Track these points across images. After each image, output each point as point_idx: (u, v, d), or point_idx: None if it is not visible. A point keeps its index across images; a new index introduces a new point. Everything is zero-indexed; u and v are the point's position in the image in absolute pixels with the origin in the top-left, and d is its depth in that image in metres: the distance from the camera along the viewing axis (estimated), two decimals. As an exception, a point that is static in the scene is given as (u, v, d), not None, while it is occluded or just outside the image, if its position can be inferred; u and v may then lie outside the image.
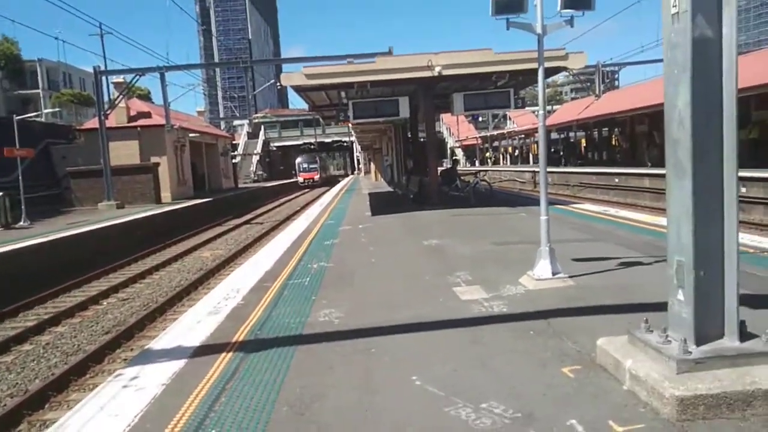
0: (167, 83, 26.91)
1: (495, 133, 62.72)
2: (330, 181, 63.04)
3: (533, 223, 7.07)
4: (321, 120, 46.20)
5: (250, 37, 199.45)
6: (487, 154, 64.44)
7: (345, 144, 71.49)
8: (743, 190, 18.63)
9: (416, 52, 15.77)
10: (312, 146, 72.24)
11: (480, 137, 66.98)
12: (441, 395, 3.84)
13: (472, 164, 68.54)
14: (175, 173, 32.78)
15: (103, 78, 27.77)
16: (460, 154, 75.18)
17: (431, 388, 3.98)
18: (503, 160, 61.56)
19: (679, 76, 3.58)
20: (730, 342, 3.59)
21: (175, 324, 6.37)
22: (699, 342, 3.57)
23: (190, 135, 35.37)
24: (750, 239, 8.99)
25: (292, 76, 14.88)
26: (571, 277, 6.78)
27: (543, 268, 6.81)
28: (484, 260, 8.42)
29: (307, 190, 53.64)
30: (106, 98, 28.46)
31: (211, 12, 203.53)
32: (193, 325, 6.09)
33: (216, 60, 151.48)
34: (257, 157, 66.10)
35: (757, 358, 3.46)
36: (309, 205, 29.30)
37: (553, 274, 6.77)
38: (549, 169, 30.54)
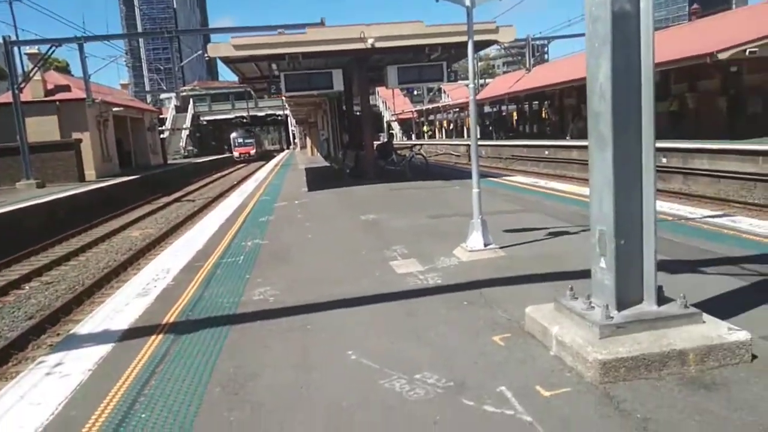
0: (86, 55, 25.40)
1: (430, 106, 63.14)
2: (265, 156, 61.86)
3: (467, 195, 7.18)
4: (253, 93, 44.92)
5: (175, 6, 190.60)
6: (425, 128, 64.88)
7: (279, 118, 70.00)
8: (663, 160, 19.63)
9: (349, 23, 15.54)
10: (245, 120, 70.31)
11: (416, 111, 67.30)
12: (376, 368, 3.88)
13: (409, 138, 68.89)
14: (99, 149, 31.21)
15: (15, 49, 25.88)
16: (396, 127, 75.33)
17: (367, 361, 4.01)
18: (439, 133, 62.18)
19: (600, 49, 3.67)
20: (648, 306, 3.78)
21: (102, 307, 6.12)
22: (620, 307, 3.74)
23: (114, 109, 33.66)
24: (669, 207, 9.50)
25: (220, 47, 14.35)
26: (502, 247, 6.96)
27: (475, 239, 6.95)
28: (419, 233, 8.51)
29: (241, 166, 52.40)
30: (19, 71, 26.56)
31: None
32: (122, 307, 5.87)
33: (139, 30, 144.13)
34: (186, 132, 63.79)
35: (672, 321, 3.67)
36: (243, 181, 28.63)
37: (485, 245, 6.92)
38: (482, 143, 30.97)
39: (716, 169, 17.66)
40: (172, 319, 5.30)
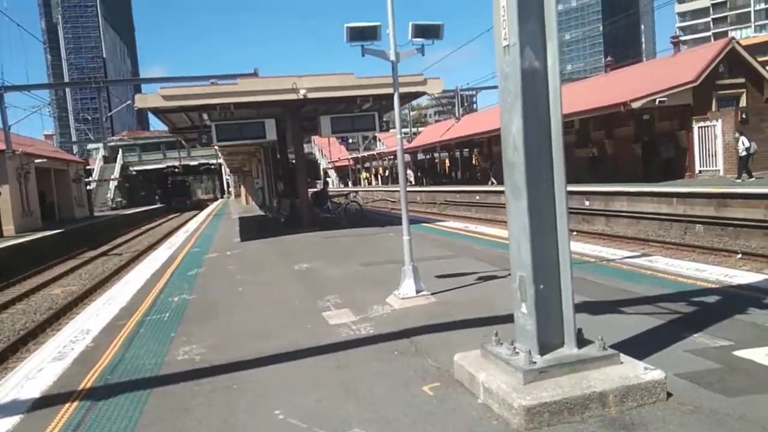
0: (6, 105, 24.41)
1: (366, 154, 64.10)
2: (198, 206, 60.57)
3: (400, 242, 7.26)
4: (184, 143, 44.24)
5: (105, 55, 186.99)
6: (364, 175, 65.51)
7: (213, 167, 68.89)
8: (587, 203, 20.59)
9: (282, 75, 15.69)
10: (176, 169, 68.80)
11: (352, 158, 68.07)
12: (304, 427, 3.77)
13: (345, 185, 69.36)
14: (19, 203, 29.53)
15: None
16: (333, 175, 75.74)
17: (294, 421, 3.89)
18: (375, 180, 62.97)
19: (512, 104, 3.87)
20: (569, 350, 3.89)
21: (13, 374, 5.67)
22: (543, 351, 3.83)
23: (36, 161, 32.17)
24: (591, 249, 9.92)
25: (148, 98, 14.14)
26: (433, 294, 7.03)
27: (407, 287, 7.00)
28: (353, 282, 8.48)
29: (172, 216, 50.95)
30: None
31: (59, 29, 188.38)
32: (35, 373, 5.47)
33: (66, 80, 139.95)
34: (115, 183, 61.68)
35: (592, 363, 3.78)
36: (173, 232, 27.78)
37: (417, 292, 6.97)
38: (417, 189, 31.69)
39: (635, 211, 18.67)
40: (89, 385, 4.99)
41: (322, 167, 76.34)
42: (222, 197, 69.75)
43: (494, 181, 33.37)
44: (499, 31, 3.99)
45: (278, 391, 4.43)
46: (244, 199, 45.91)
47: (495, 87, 45.64)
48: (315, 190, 24.63)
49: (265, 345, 5.64)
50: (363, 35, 7.05)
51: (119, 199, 60.59)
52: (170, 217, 50.72)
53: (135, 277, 11.03)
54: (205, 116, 16.60)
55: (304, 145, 21.34)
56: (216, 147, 31.88)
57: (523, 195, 3.82)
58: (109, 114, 67.49)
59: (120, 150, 65.55)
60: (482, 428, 3.50)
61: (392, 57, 7.26)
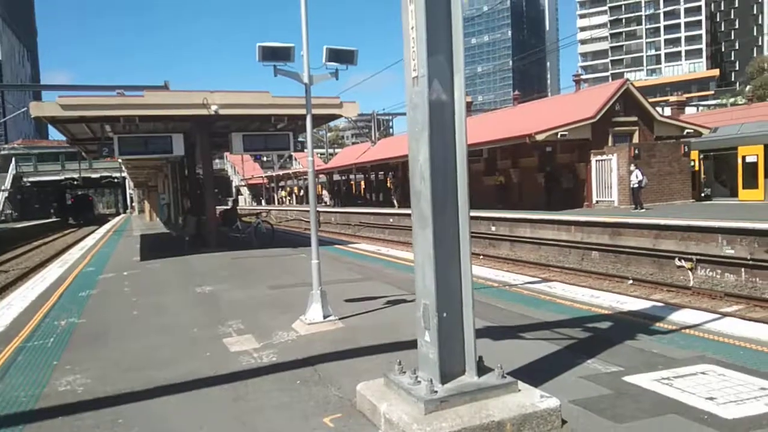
0: None
1: (281, 172, 63.26)
2: (98, 221, 57.11)
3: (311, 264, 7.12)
4: (84, 154, 41.77)
5: (1, 58, 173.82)
6: (283, 193, 64.39)
7: (116, 180, 65.30)
8: (492, 228, 21.33)
9: (194, 89, 15.19)
10: (76, 182, 64.71)
11: (266, 176, 66.93)
12: (194, 465, 3.53)
13: (259, 203, 68.00)
14: None
15: None
16: (246, 192, 74.10)
17: (185, 458, 3.63)
18: (289, 199, 62.20)
19: (419, 133, 3.90)
20: (470, 378, 3.92)
21: None
22: (444, 380, 3.83)
23: None
24: (495, 274, 10.21)
25: (44, 106, 13.20)
26: (341, 319, 6.92)
27: (315, 311, 6.85)
28: (259, 306, 8.21)
29: (68, 231, 47.63)
30: None
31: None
32: None
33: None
34: (5, 194, 57.02)
35: (491, 392, 3.81)
36: (67, 249, 25.91)
37: (325, 317, 6.84)
38: (333, 210, 31.55)
39: (537, 237, 19.56)
40: (-51, 423, 4.44)
41: (234, 184, 74.52)
42: (125, 212, 66.21)
43: (396, 203, 34.60)
44: (408, 62, 4.04)
45: (168, 427, 4.14)
46: (148, 215, 43.76)
47: (410, 113, 46.84)
48: (224, 208, 23.91)
49: (157, 374, 5.29)
50: (275, 55, 6.95)
51: (9, 212, 56.11)
52: (66, 232, 47.40)
53: (19, 297, 10.11)
54: (107, 128, 15.73)
55: (216, 161, 20.71)
56: (119, 160, 30.31)
57: (428, 223, 3.84)
58: (2, 120, 62.48)
59: (13, 159, 60.85)
60: (382, 461, 3.43)
61: (305, 79, 7.21)
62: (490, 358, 4.12)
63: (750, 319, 7.45)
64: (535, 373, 4.47)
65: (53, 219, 57.80)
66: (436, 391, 3.72)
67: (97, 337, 6.85)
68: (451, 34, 4.02)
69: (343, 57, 7.20)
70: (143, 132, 15.57)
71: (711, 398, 4.01)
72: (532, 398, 3.80)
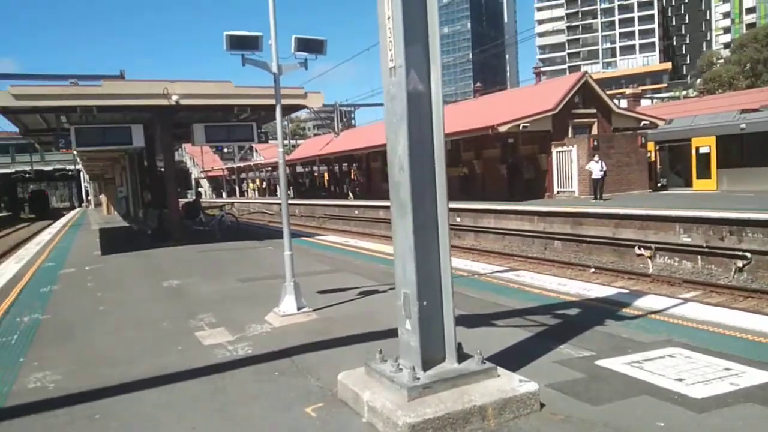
0: None
1: (242, 164, 62.32)
2: (53, 215, 55.25)
3: (280, 256, 7.07)
4: (38, 146, 40.31)
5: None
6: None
7: (70, 173, 63.23)
8: (458, 219, 21.54)
9: (152, 78, 14.79)
10: (28, 175, 62.40)
11: (227, 168, 65.86)
12: (177, 459, 3.49)
13: (219, 196, 66.89)
14: None
15: None
16: (206, 185, 72.78)
17: (166, 452, 3.59)
18: (252, 192, 61.40)
19: (398, 124, 3.91)
20: (450, 365, 3.98)
21: None
22: (426, 367, 3.88)
23: None
24: (464, 264, 10.34)
25: (-5, 96, 12.63)
26: (315, 310, 6.92)
27: (288, 303, 6.83)
28: (229, 299, 8.12)
29: (22, 226, 45.94)
30: None
31: None
32: None
33: None
34: (-51, 188, 54.61)
35: (472, 377, 3.89)
36: (22, 244, 25.02)
37: (298, 308, 6.82)
38: (296, 202, 31.28)
39: (501, 227, 19.88)
40: None
41: (193, 176, 73.10)
42: (80, 206, 64.22)
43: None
44: (385, 53, 4.04)
45: (147, 421, 4.08)
46: (105, 209, 42.52)
47: (373, 105, 46.80)
48: (187, 201, 23.46)
49: (130, 369, 5.19)
50: (243, 44, 6.85)
51: (-47, 206, 53.75)
52: (19, 226, 45.69)
53: (-27, 295, 9.72)
54: (63, 118, 15.21)
55: (174, 153, 20.26)
56: (74, 152, 29.35)
57: (408, 213, 3.87)
58: (-56, 110, 59.49)
59: (-44, 151, 58.25)
60: (367, 449, 3.46)
61: (274, 69, 7.13)
62: (467, 345, 4.18)
63: (709, 304, 7.76)
64: (512, 359, 4.56)
65: (4, 213, 55.62)
66: (418, 378, 3.77)
67: (64, 333, 6.67)
68: (427, 24, 4.03)
69: (312, 47, 7.15)
70: (101, 123, 15.13)
71: (680, 379, 4.18)
72: (511, 383, 3.89)
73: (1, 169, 60.87)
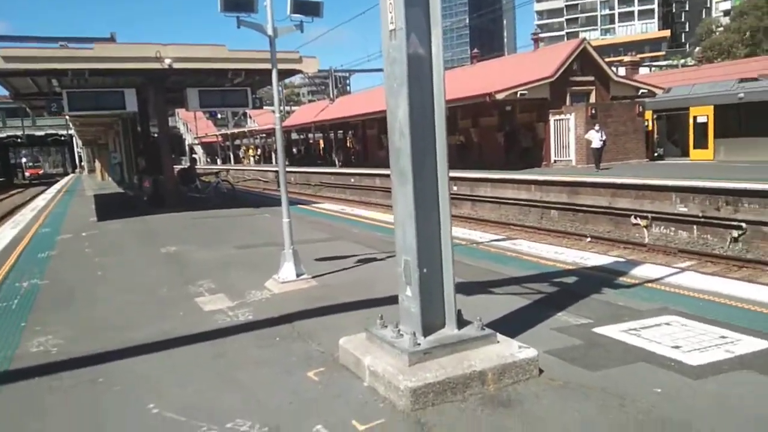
0: None
1: (236, 131, 61.73)
2: (46, 181, 55.00)
3: (277, 223, 7.07)
4: (29, 111, 39.72)
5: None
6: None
7: (63, 138, 62.59)
8: (455, 188, 21.52)
9: (143, 41, 14.50)
10: (19, 140, 61.71)
11: (221, 134, 65.27)
12: (182, 421, 3.54)
13: (214, 162, 66.48)
14: None
15: None
16: (199, 151, 72.17)
17: (171, 414, 3.64)
18: (252, 159, 60.92)
19: (398, 89, 3.85)
20: (450, 330, 4.02)
21: None
22: (426, 333, 3.92)
23: None
24: (462, 232, 10.39)
25: (-15, 58, 12.38)
26: (314, 277, 6.95)
27: (287, 270, 6.85)
28: (228, 266, 8.14)
29: (15, 192, 45.68)
30: None
31: None
32: None
33: None
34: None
35: (471, 343, 3.93)
36: (18, 209, 24.92)
37: (298, 275, 6.85)
38: (291, 169, 30.92)
39: (498, 196, 19.89)
40: None
41: (187, 143, 72.45)
42: (73, 172, 63.78)
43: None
44: (385, 15, 3.95)
45: (150, 384, 4.12)
46: (99, 175, 42.25)
47: (368, 71, 46.34)
48: (182, 167, 23.31)
49: (132, 334, 5.22)
50: (238, 6, 6.68)
51: (-55, 171, 53.31)
52: (12, 192, 45.42)
53: (-30, 260, 9.71)
54: (54, 82, 14.97)
55: (168, 118, 20.04)
56: (67, 117, 28.99)
57: (409, 180, 3.85)
58: (-68, 73, 58.45)
59: (-54, 115, 57.43)
60: (369, 411, 3.52)
61: (270, 32, 6.99)
62: (466, 312, 4.22)
63: (704, 273, 7.84)
64: (511, 326, 4.61)
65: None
66: (419, 344, 3.81)
67: (64, 299, 6.69)
68: (428, -14, 3.94)
69: (308, 9, 7.00)
70: (93, 87, 14.90)
71: (676, 347, 4.24)
72: (510, 349, 3.94)
73: (-9, 134, 60.21)
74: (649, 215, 14.32)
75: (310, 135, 49.11)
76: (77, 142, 56.90)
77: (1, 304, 6.55)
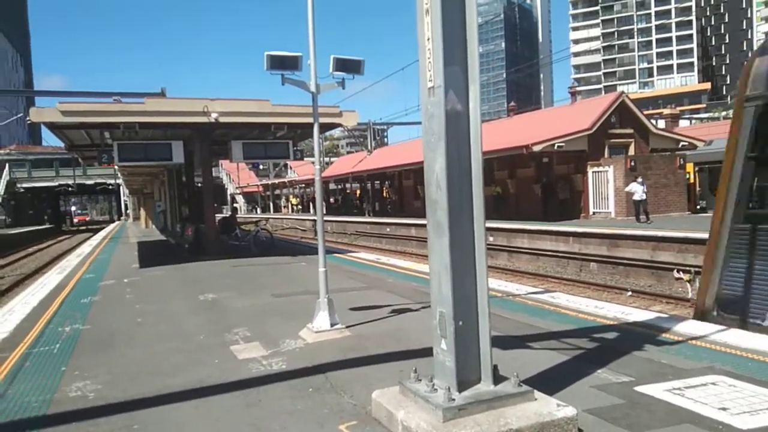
0: None
1: (276, 181, 63.22)
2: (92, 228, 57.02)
3: (313, 272, 7.14)
4: (81, 161, 41.65)
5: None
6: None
7: (111, 187, 65.15)
8: (491, 239, 21.37)
9: (191, 96, 15.18)
10: (71, 188, 64.45)
11: (261, 184, 66.91)
12: (213, 472, 3.53)
13: (254, 210, 67.89)
14: None
15: None
16: (241, 200, 73.97)
17: (202, 464, 3.64)
18: (295, 207, 62.05)
19: (435, 143, 3.94)
20: (486, 386, 3.94)
21: None
22: (461, 388, 3.85)
23: None
24: (497, 284, 10.26)
25: (44, 112, 13.17)
26: (348, 327, 6.93)
27: (322, 319, 6.86)
28: (263, 314, 8.21)
29: (64, 238, 47.44)
30: None
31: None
32: None
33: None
34: (-1, 200, 56.74)
35: (508, 400, 3.84)
36: (64, 255, 25.83)
37: (332, 325, 6.85)
38: (328, 218, 31.29)
39: (535, 248, 19.63)
40: (-41, 428, 4.42)
41: (229, 192, 74.42)
42: (119, 219, 66.01)
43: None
44: (424, 73, 4.09)
45: (184, 432, 4.14)
46: (143, 222, 43.59)
47: (406, 123, 47.21)
48: (223, 216, 23.88)
49: (167, 381, 5.28)
50: (283, 64, 7.00)
51: (2, 218, 55.84)
52: (61, 238, 47.18)
53: (19, 304, 10.05)
54: (107, 134, 15.73)
55: (212, 169, 20.70)
56: (115, 167, 30.23)
57: (445, 232, 3.88)
58: (-4, 125, 62.30)
59: (7, 165, 60.56)
60: (401, 468, 3.44)
61: (312, 88, 7.25)
62: (502, 367, 4.14)
63: (753, 332, 7.49)
64: (548, 382, 4.49)
65: (47, 225, 57.53)
66: (453, 399, 3.74)
67: (104, 344, 6.83)
68: (466, 45, 4.07)
69: (350, 66, 7.26)
70: (142, 139, 15.60)
71: (724, 408, 4.04)
72: (548, 407, 3.82)
73: (45, 182, 63.06)
74: (693, 269, 13.87)
75: (348, 185, 49.88)
76: (124, 191, 59.09)
77: (43, 348, 6.74)
